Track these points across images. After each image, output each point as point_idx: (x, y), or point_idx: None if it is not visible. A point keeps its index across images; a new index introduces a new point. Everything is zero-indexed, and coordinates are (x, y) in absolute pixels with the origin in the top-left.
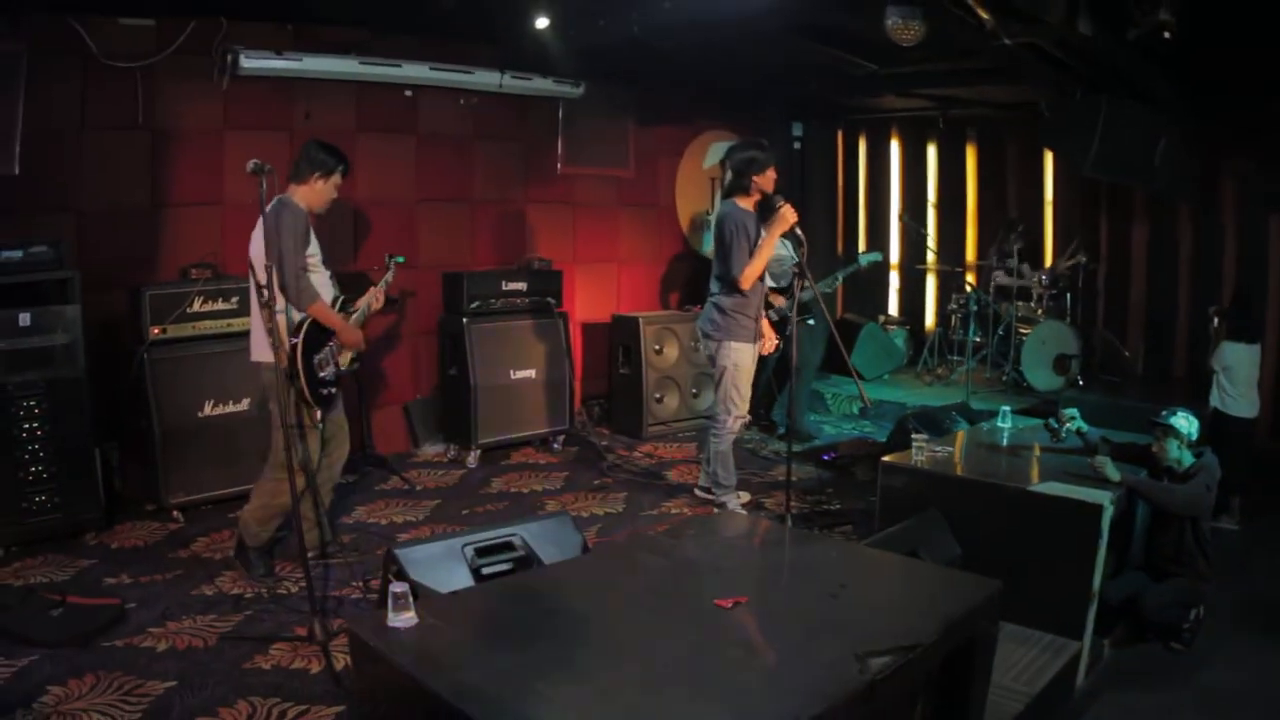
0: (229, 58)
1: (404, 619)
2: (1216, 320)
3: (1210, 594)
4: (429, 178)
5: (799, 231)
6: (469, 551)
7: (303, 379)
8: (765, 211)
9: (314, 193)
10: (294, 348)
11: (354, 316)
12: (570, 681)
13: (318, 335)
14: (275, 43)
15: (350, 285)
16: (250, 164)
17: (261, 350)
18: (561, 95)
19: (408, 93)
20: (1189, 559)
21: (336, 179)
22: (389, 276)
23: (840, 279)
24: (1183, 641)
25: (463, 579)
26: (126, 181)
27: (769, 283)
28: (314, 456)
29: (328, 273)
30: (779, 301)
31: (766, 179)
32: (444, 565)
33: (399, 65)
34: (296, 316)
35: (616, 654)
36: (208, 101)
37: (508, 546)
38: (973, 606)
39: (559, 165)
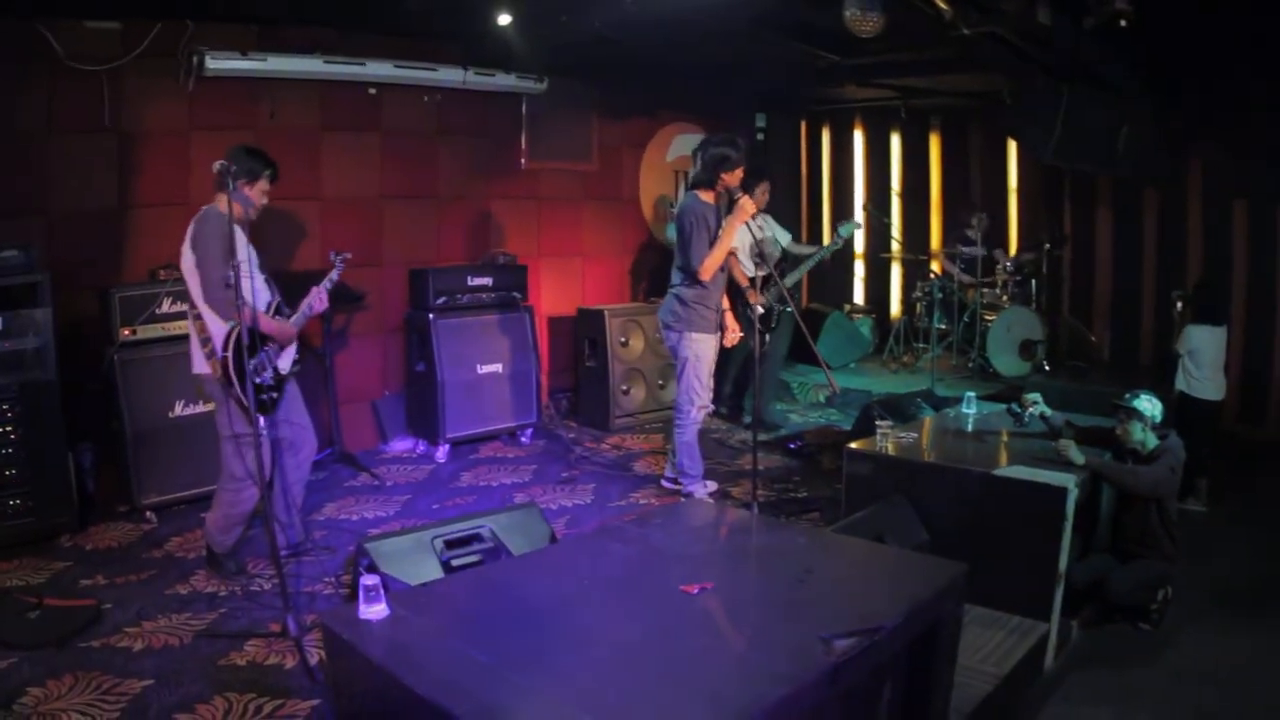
0: (194, 59)
1: (375, 611)
2: (1180, 305)
3: (1177, 575)
4: (394, 175)
5: (758, 221)
6: (438, 544)
7: (238, 388)
8: (729, 205)
9: (240, 200)
10: (224, 360)
11: (294, 318)
12: (540, 670)
13: (251, 341)
14: (240, 43)
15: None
16: (216, 165)
17: (200, 363)
18: (525, 91)
19: (372, 91)
20: (1155, 541)
21: (264, 184)
22: (334, 274)
23: (825, 255)
24: (1150, 622)
25: (433, 571)
26: (94, 183)
27: (750, 272)
28: (266, 463)
29: (263, 276)
30: (755, 300)
31: (734, 177)
32: (414, 558)
33: (363, 64)
34: (228, 326)
35: (585, 641)
36: (174, 103)
37: (476, 538)
38: (938, 589)
39: (523, 160)
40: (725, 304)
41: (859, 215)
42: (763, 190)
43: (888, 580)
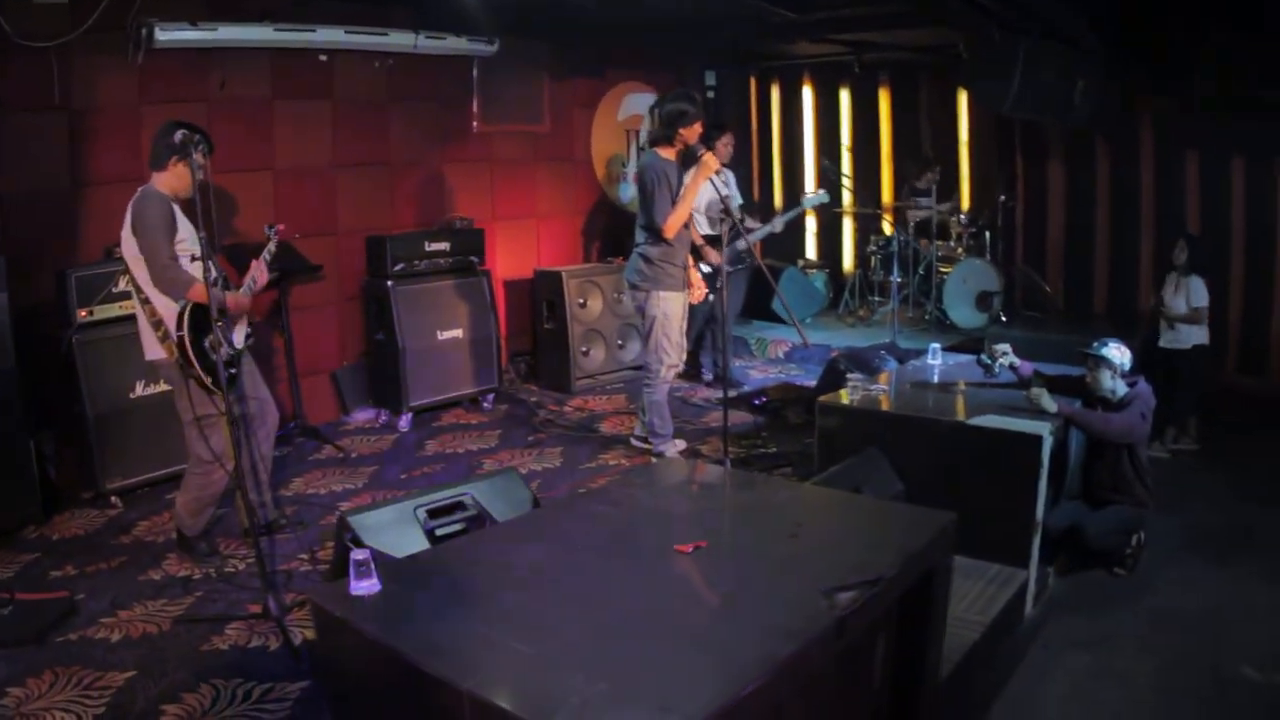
0: (144, 31)
1: (366, 585)
2: (1185, 254)
3: (1150, 520)
4: (346, 142)
5: (721, 176)
6: (421, 514)
7: (198, 368)
8: (688, 161)
9: (176, 177)
10: (180, 340)
11: (241, 289)
12: (545, 637)
13: (203, 319)
14: (189, 13)
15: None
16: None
17: (153, 348)
18: (476, 53)
19: (323, 58)
20: (1127, 486)
21: (198, 157)
22: (271, 247)
23: (786, 220)
24: (1125, 567)
25: (418, 542)
26: (46, 162)
27: (704, 230)
28: (229, 444)
29: (202, 251)
30: (712, 256)
31: (693, 132)
32: (397, 529)
33: (313, 30)
34: (179, 306)
35: (587, 606)
36: (124, 77)
37: (459, 506)
38: (929, 539)
39: (475, 124)
40: (689, 261)
41: (810, 171)
42: (725, 142)
43: (879, 532)
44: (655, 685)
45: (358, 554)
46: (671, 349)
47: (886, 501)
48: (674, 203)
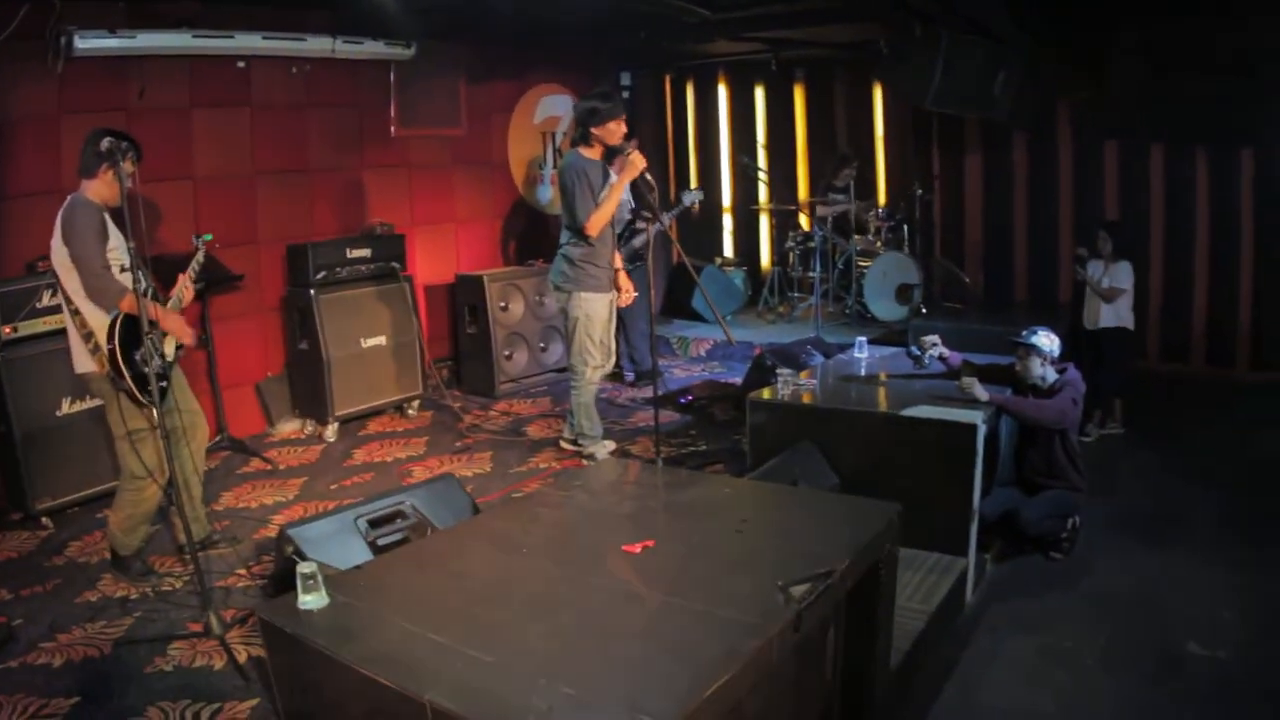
0: (63, 39)
1: (314, 599)
2: (1110, 244)
3: (1085, 503)
4: (265, 150)
5: (648, 177)
6: (362, 524)
7: (129, 380)
8: (611, 157)
9: (106, 185)
10: (111, 352)
11: (170, 303)
12: (502, 644)
13: (134, 331)
14: (108, 21)
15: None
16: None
17: (83, 361)
18: (393, 58)
19: (241, 64)
20: (1062, 471)
21: (128, 165)
22: (199, 258)
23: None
24: (1061, 551)
25: (360, 552)
26: None
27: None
28: (162, 458)
29: (132, 261)
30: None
31: (606, 131)
32: (339, 540)
33: (231, 36)
34: (110, 316)
35: (542, 610)
36: (42, 87)
37: (400, 515)
38: (876, 530)
39: (393, 128)
40: (618, 264)
41: (725, 170)
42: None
43: (827, 524)
44: (622, 687)
45: (304, 567)
46: (596, 350)
47: (831, 494)
48: (596, 201)
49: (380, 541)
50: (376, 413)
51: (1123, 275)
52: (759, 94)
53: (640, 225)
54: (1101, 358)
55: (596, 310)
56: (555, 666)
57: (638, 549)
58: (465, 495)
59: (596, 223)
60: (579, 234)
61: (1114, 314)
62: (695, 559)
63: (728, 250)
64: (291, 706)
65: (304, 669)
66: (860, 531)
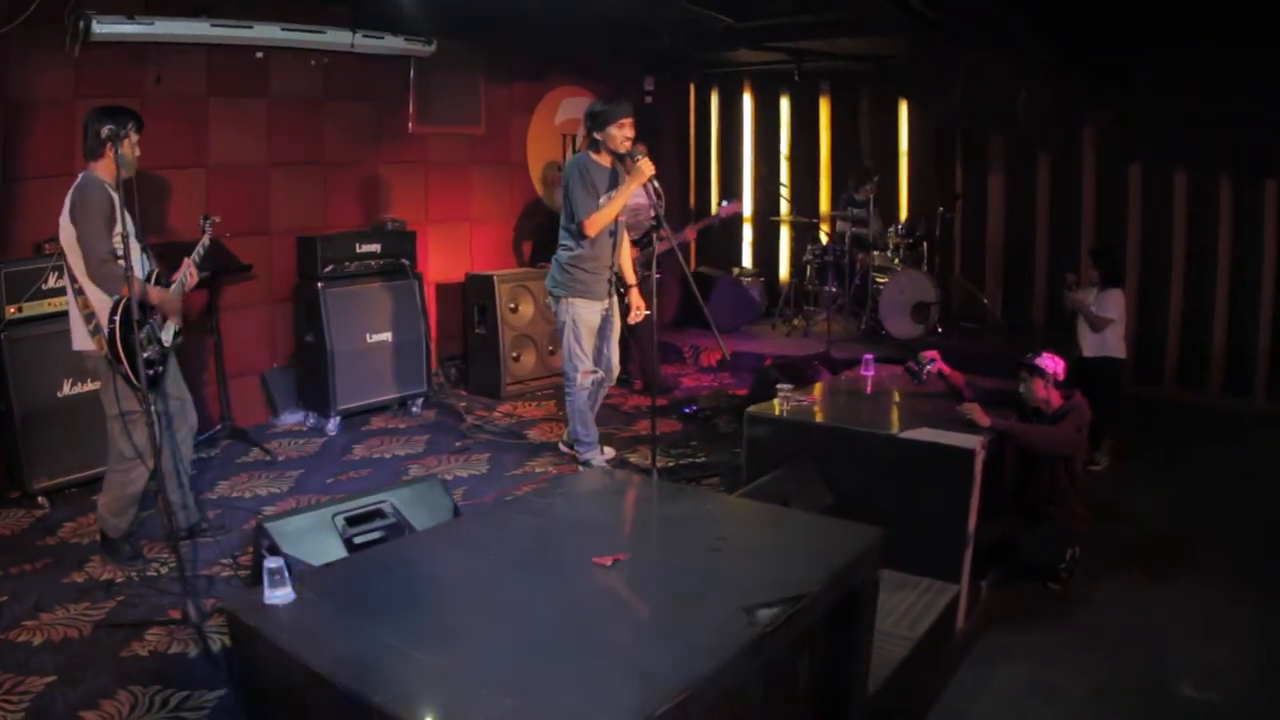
0: (81, 24)
1: (280, 595)
2: (1097, 271)
3: (1084, 534)
4: (281, 141)
5: (655, 184)
6: (340, 521)
7: (125, 363)
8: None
9: (115, 162)
10: (112, 332)
11: (172, 288)
12: (455, 651)
13: (136, 314)
14: (126, 6)
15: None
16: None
17: (82, 340)
18: (413, 54)
19: (259, 55)
20: (1063, 499)
21: (132, 139)
22: (205, 240)
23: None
24: (1059, 581)
25: (336, 550)
26: None
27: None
28: (153, 441)
29: (140, 245)
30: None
31: (607, 135)
32: (316, 537)
33: (250, 26)
34: (113, 300)
35: (500, 619)
36: (59, 71)
37: (378, 514)
38: (856, 555)
39: (410, 124)
40: (633, 280)
41: (747, 179)
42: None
43: (805, 547)
44: (570, 703)
45: (271, 562)
46: (585, 356)
47: (814, 516)
48: (599, 202)
49: (356, 540)
50: (380, 408)
51: (1110, 305)
52: (784, 104)
53: (660, 235)
54: (1089, 388)
55: (585, 316)
56: (507, 677)
57: (609, 561)
58: (448, 497)
59: (596, 223)
60: (573, 235)
61: (1101, 344)
62: (667, 576)
63: (746, 261)
64: (252, 699)
65: (263, 663)
66: (839, 555)
